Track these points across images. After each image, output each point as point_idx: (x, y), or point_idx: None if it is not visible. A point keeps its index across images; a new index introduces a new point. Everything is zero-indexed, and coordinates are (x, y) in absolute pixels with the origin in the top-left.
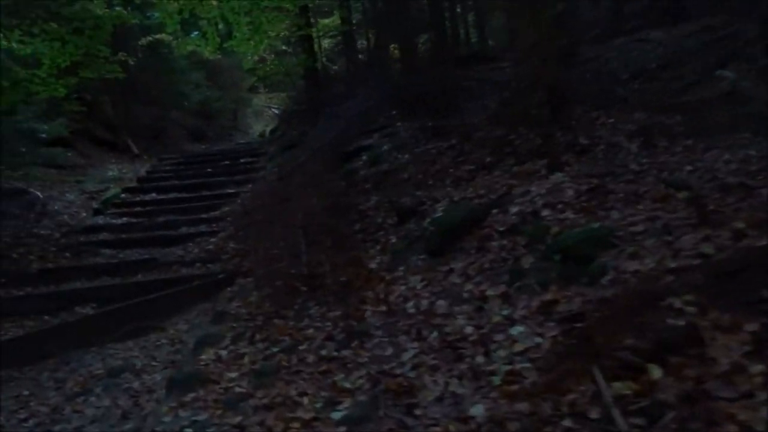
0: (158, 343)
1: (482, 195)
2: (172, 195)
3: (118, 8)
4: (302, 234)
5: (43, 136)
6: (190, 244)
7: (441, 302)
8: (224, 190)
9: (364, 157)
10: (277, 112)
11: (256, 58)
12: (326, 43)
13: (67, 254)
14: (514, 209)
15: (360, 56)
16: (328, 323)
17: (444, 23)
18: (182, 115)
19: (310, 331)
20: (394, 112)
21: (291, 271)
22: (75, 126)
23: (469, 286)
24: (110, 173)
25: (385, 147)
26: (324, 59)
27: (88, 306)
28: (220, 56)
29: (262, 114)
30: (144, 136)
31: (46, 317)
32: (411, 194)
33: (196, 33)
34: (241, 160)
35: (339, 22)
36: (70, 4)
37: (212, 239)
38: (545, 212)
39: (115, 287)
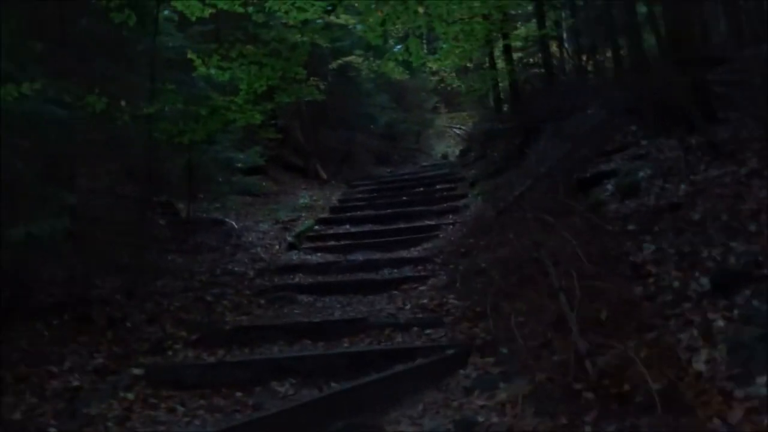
0: None
1: None
2: (367, 227)
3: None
4: (565, 299)
5: (239, 165)
6: (396, 292)
7: None
8: (423, 222)
9: (610, 186)
10: (459, 132)
11: (437, 77)
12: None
13: (262, 301)
14: None
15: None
16: None
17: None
18: (367, 138)
19: None
20: (633, 128)
21: (562, 361)
22: (268, 153)
23: None
24: (301, 201)
25: (642, 173)
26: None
27: (287, 381)
28: (408, 76)
29: (444, 135)
30: (332, 160)
31: (239, 394)
32: (722, 244)
33: (399, 47)
34: (437, 187)
35: (535, 29)
36: (267, 28)
37: (422, 287)
38: None
39: (318, 359)
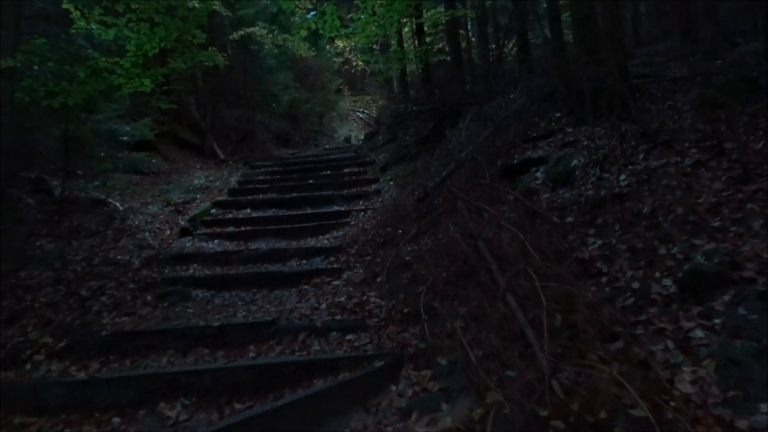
0: None
1: None
2: (270, 212)
3: None
4: (515, 301)
5: (125, 139)
6: (307, 287)
7: None
8: (332, 208)
9: (539, 174)
10: (362, 116)
11: (341, 58)
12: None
13: (149, 298)
14: None
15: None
16: None
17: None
18: (268, 117)
19: None
20: (557, 115)
21: (521, 378)
22: (160, 128)
23: None
24: (196, 181)
25: (576, 161)
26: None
27: (179, 403)
28: (314, 53)
29: (347, 118)
30: (229, 139)
31: (116, 419)
32: (683, 241)
33: (313, 13)
34: (345, 170)
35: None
36: None
37: (336, 282)
38: None
39: (218, 373)
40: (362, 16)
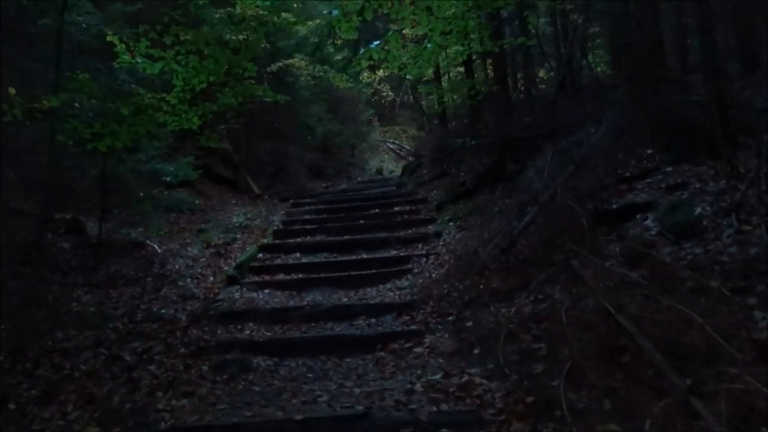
0: None
1: None
2: (322, 257)
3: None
4: (706, 409)
5: (167, 179)
6: (383, 354)
7: None
8: (389, 252)
9: (649, 222)
10: (392, 146)
11: (371, 89)
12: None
13: (205, 368)
14: None
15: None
16: None
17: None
18: (300, 150)
19: None
20: (648, 152)
21: None
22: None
23: None
24: (234, 219)
25: (699, 209)
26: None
27: None
28: (351, 84)
29: (378, 149)
30: (263, 173)
31: None
32: None
33: (377, 43)
34: (396, 209)
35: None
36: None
37: (418, 349)
38: None
39: None
40: (428, 45)
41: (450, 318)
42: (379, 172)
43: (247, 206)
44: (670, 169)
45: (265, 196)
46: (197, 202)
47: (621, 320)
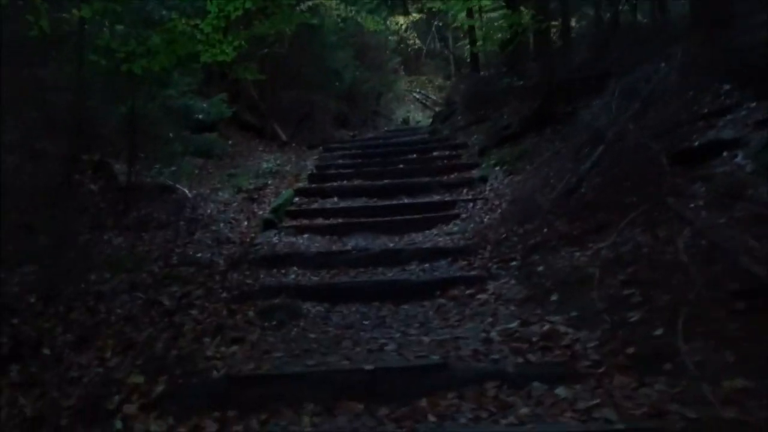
0: None
1: None
2: (360, 202)
3: None
4: None
5: (200, 117)
6: (444, 301)
7: None
8: (432, 197)
9: (739, 160)
10: (418, 96)
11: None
12: None
13: (251, 314)
14: None
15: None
16: None
17: None
18: (325, 98)
19: None
20: (726, 87)
21: None
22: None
23: None
24: (264, 165)
25: None
26: None
27: None
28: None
29: (404, 99)
30: (288, 120)
31: None
32: None
33: None
34: (435, 154)
35: None
36: None
37: (482, 296)
38: None
39: None
40: None
41: (513, 263)
42: (406, 122)
43: (275, 152)
44: (753, 104)
45: (293, 144)
46: (230, 142)
47: (744, 261)
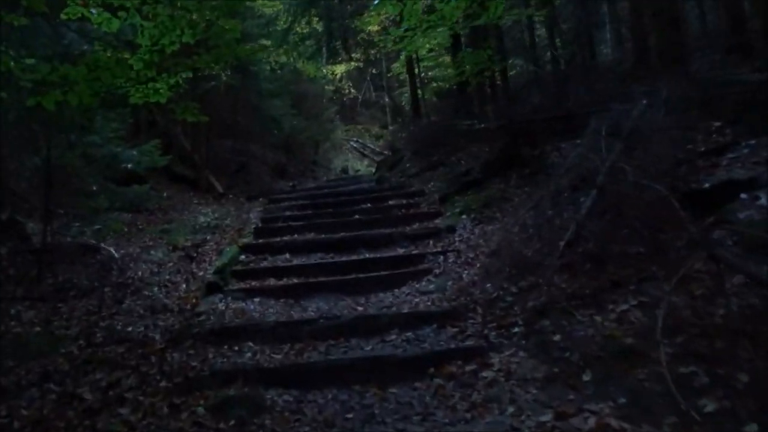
0: None
1: None
2: (317, 258)
3: None
4: None
5: (129, 167)
6: (440, 381)
7: None
8: (396, 251)
9: (765, 202)
10: (356, 145)
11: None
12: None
13: (201, 410)
14: None
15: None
16: None
17: None
18: (262, 147)
19: None
20: (716, 124)
21: None
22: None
23: None
24: (202, 219)
25: None
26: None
27: None
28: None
29: (341, 148)
30: (224, 171)
31: None
32: None
33: None
34: (391, 202)
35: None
36: None
37: (487, 373)
38: None
39: None
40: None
41: (516, 330)
42: (345, 171)
43: (212, 205)
44: (753, 141)
45: (230, 195)
46: (161, 197)
47: None
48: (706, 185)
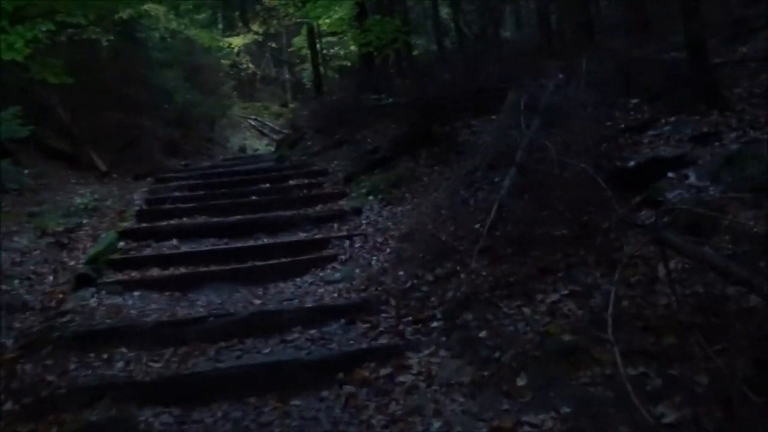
0: None
1: None
2: (208, 244)
3: None
4: None
5: None
6: (352, 389)
7: None
8: (297, 235)
9: (694, 180)
10: (254, 123)
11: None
12: None
13: None
14: None
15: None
16: None
17: None
18: (153, 122)
19: None
20: (633, 101)
21: None
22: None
23: None
24: (78, 200)
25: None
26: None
27: None
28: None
29: (239, 126)
30: (109, 147)
31: None
32: None
33: None
34: (291, 182)
35: None
36: None
37: (406, 377)
38: None
39: None
40: None
41: (435, 324)
42: (243, 150)
43: (92, 185)
44: (673, 119)
45: (114, 175)
46: (29, 174)
47: None
48: (632, 163)
